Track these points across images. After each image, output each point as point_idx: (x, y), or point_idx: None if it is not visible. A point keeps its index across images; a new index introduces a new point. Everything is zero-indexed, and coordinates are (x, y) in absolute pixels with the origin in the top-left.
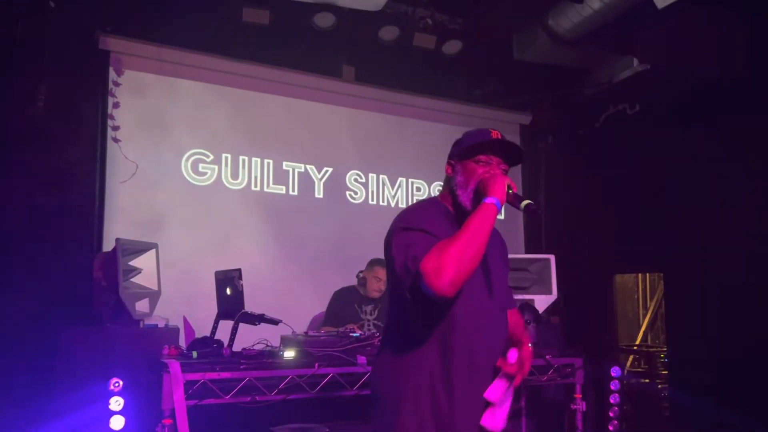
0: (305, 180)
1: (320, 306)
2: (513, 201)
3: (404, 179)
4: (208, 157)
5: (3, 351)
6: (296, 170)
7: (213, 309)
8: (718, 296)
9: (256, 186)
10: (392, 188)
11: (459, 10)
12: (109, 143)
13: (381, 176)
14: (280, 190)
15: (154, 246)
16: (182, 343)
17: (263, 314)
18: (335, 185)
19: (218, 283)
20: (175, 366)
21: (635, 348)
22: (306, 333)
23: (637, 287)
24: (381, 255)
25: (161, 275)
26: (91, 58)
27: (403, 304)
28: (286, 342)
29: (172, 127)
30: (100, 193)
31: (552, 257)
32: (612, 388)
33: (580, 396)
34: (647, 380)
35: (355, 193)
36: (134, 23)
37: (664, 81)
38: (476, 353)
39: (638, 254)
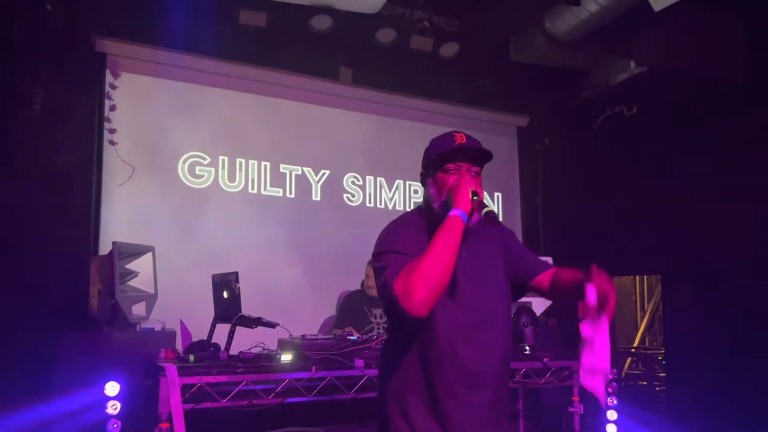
0: (302, 182)
1: (318, 308)
2: (476, 208)
3: (401, 182)
4: (204, 159)
5: None
6: (293, 173)
7: (210, 312)
8: (716, 298)
9: (253, 189)
10: (390, 191)
11: (456, 12)
12: (106, 146)
13: (378, 179)
14: (278, 192)
15: (151, 249)
16: (179, 346)
17: (260, 317)
18: (332, 188)
19: (215, 286)
20: (171, 369)
21: (633, 350)
22: (303, 336)
23: (635, 289)
24: None
25: (158, 278)
26: (87, 61)
27: (389, 318)
28: (283, 345)
29: (169, 129)
30: (97, 195)
31: (549, 259)
32: (609, 390)
33: (578, 399)
34: (645, 382)
35: (353, 196)
36: (131, 26)
37: (662, 83)
38: (467, 360)
39: (636, 256)
